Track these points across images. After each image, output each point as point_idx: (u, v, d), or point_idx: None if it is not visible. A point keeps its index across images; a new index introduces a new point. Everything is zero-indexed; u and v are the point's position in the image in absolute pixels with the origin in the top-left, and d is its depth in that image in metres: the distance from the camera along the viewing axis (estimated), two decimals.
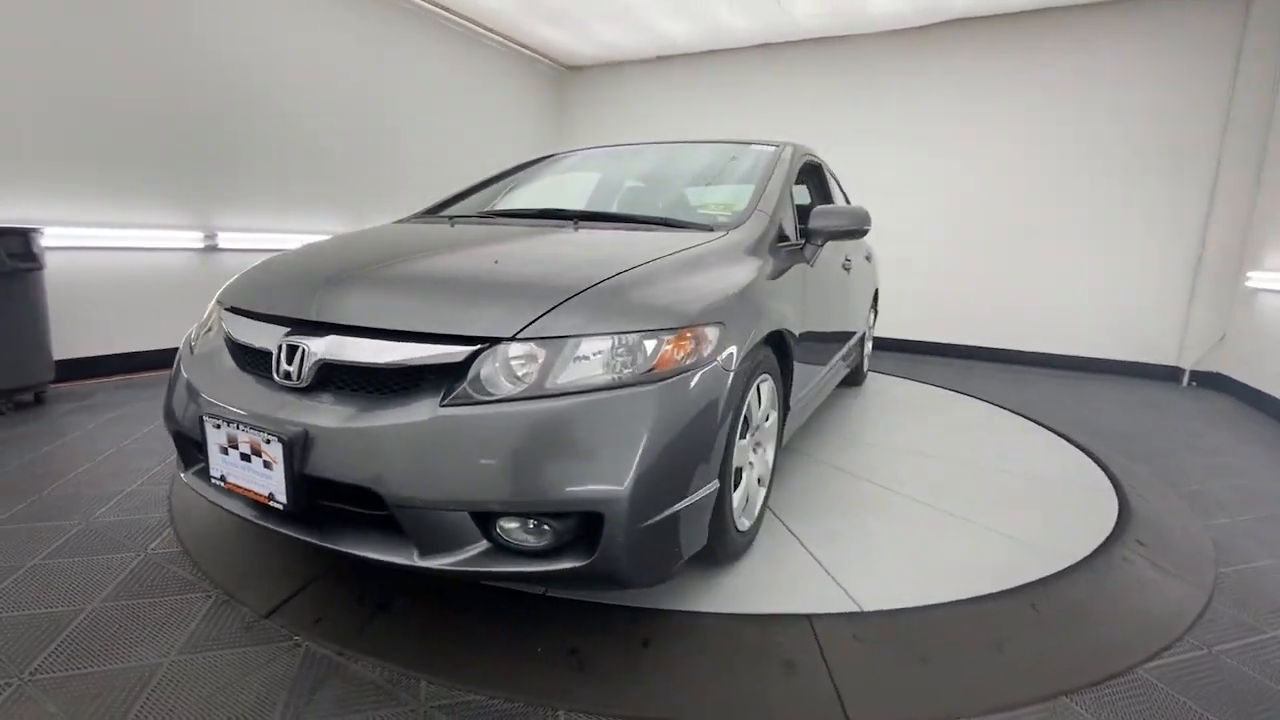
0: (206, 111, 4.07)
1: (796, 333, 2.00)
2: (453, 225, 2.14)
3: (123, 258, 3.73)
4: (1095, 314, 5.21)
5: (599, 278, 1.43)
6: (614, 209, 2.20)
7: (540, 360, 1.28)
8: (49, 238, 3.18)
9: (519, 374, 1.27)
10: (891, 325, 5.93)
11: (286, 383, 1.40)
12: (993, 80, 5.33)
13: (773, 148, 2.52)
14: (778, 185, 2.21)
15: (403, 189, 5.49)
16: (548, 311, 1.32)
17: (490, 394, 1.25)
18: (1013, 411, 3.73)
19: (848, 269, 2.96)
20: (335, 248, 1.86)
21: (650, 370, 1.31)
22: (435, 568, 1.26)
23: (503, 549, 1.27)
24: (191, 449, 1.60)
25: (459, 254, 1.67)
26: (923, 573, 1.82)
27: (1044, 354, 5.43)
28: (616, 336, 1.32)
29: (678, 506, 1.32)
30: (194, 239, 4.08)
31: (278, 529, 1.38)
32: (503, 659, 1.42)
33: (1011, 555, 1.95)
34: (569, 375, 1.28)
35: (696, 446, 1.36)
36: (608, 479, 1.21)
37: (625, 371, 1.30)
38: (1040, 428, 3.41)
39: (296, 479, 1.29)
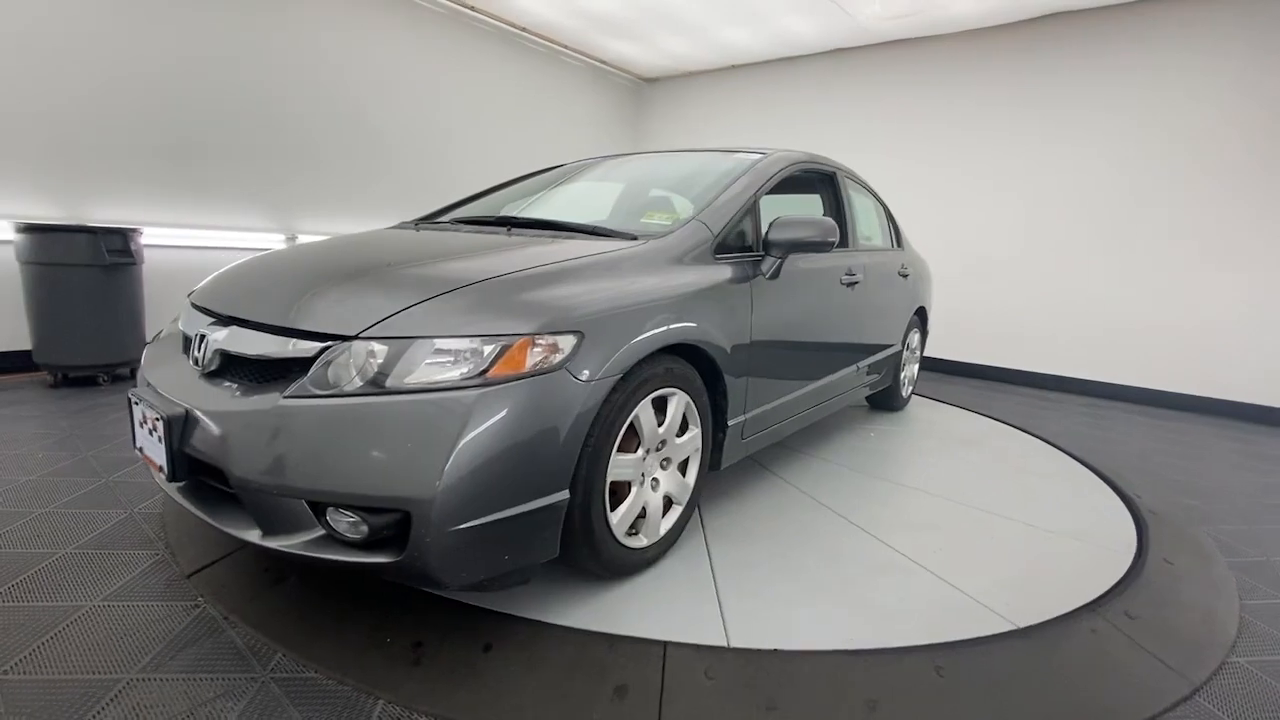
0: (289, 123, 4.58)
1: (728, 347, 1.91)
2: (418, 230, 2.27)
3: (212, 256, 4.29)
4: (1216, 346, 4.45)
5: (462, 282, 1.46)
6: (570, 218, 2.20)
7: (380, 360, 1.33)
8: (147, 237, 3.73)
9: (358, 372, 1.33)
10: (962, 348, 5.45)
11: (196, 368, 1.56)
12: (1094, 77, 4.74)
13: (754, 156, 2.43)
14: (732, 195, 2.12)
15: None
16: (396, 313, 1.37)
17: (328, 389, 1.32)
18: (1068, 453, 3.28)
19: (850, 284, 2.77)
20: (291, 250, 2.04)
21: (483, 374, 1.32)
22: (273, 547, 1.34)
23: (332, 537, 1.33)
24: None
25: (365, 257, 1.77)
26: (830, 616, 1.67)
27: (1148, 390, 4.72)
28: (457, 340, 1.35)
29: (502, 514, 1.32)
30: (276, 240, 4.60)
31: (174, 496, 1.53)
32: (355, 643, 1.48)
33: (951, 610, 1.73)
34: (407, 376, 1.32)
35: (532, 455, 1.35)
36: (415, 479, 1.24)
37: (459, 375, 1.32)
38: (1090, 473, 2.98)
39: (175, 454, 1.43)
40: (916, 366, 4.08)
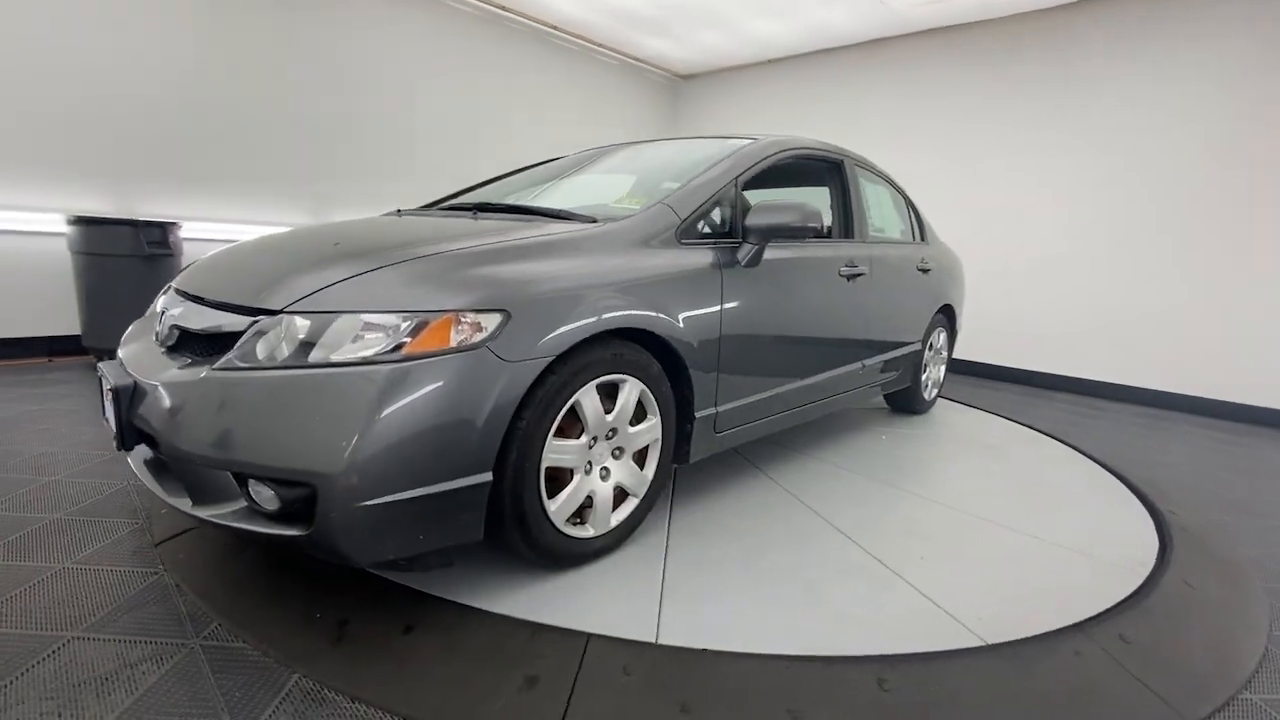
0: (324, 123, 4.77)
1: (691, 334, 1.84)
2: (400, 216, 2.30)
3: None
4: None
5: (396, 260, 1.45)
6: (555, 204, 2.19)
7: (303, 334, 1.34)
8: (186, 230, 3.95)
9: (283, 345, 1.34)
10: (1008, 352, 5.13)
11: (158, 344, 1.62)
12: (1183, 55, 4.36)
13: (742, 142, 2.34)
14: (705, 180, 2.05)
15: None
16: (322, 288, 1.38)
17: (254, 362, 1.34)
18: (1100, 463, 3.02)
19: (851, 276, 2.63)
20: (265, 237, 2.08)
21: (398, 350, 1.31)
22: (201, 516, 1.37)
23: (253, 509, 1.34)
24: None
25: (319, 238, 1.79)
26: (780, 620, 1.57)
27: (1215, 401, 4.30)
28: (382, 315, 1.34)
29: (414, 492, 1.30)
30: None
31: (130, 465, 1.59)
32: (288, 617, 1.50)
33: (917, 622, 1.60)
34: (331, 351, 1.32)
35: (448, 433, 1.32)
36: (321, 453, 1.23)
37: (376, 351, 1.31)
38: (1120, 485, 2.72)
39: (123, 423, 1.48)
40: (943, 368, 3.85)
